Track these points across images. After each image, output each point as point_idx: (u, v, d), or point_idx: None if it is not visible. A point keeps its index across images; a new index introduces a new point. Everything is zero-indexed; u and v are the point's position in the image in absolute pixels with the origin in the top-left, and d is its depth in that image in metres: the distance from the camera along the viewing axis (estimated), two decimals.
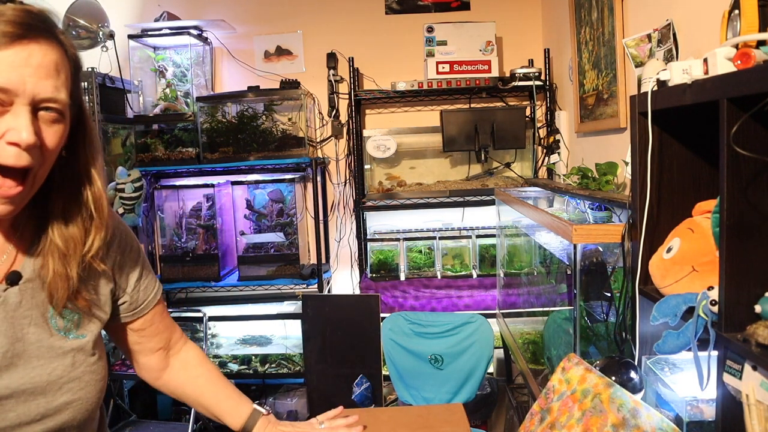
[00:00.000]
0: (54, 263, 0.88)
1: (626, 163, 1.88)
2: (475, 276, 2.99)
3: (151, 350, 1.16)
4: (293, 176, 3.12)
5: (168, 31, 3.14)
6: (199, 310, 3.00)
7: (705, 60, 1.05)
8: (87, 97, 2.88)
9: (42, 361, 0.88)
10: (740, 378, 0.93)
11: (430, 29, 3.08)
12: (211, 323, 3.20)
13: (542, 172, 3.18)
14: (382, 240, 3.15)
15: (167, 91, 3.20)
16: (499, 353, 2.92)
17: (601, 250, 1.61)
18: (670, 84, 1.18)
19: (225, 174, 3.24)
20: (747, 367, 0.92)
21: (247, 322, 3.31)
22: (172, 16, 3.20)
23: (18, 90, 0.74)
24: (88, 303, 0.95)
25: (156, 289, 1.14)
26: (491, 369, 3.01)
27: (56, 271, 0.88)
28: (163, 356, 1.19)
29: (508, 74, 3.12)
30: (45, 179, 0.84)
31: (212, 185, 3.08)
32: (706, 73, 1.05)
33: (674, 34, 1.66)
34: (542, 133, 3.18)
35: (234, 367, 3.17)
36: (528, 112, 3.14)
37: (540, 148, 3.17)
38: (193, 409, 2.69)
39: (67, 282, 0.89)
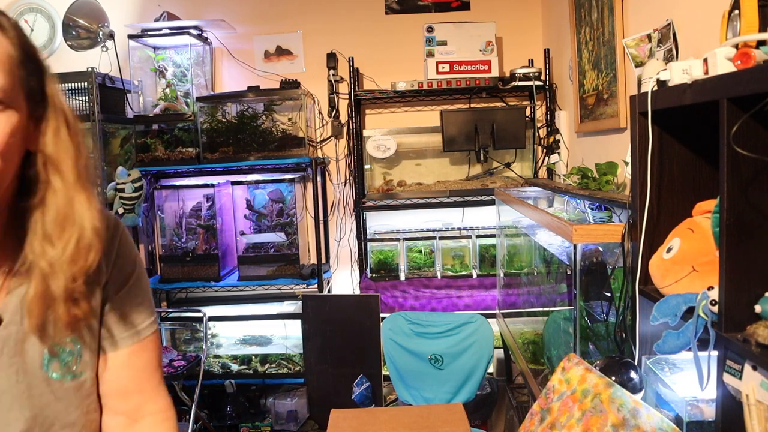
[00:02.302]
0: (38, 294, 0.76)
1: (626, 163, 1.88)
2: (475, 276, 2.99)
3: (110, 409, 0.90)
4: (293, 176, 3.12)
5: (168, 31, 3.14)
6: (199, 310, 3.00)
7: (705, 60, 1.05)
8: (87, 97, 2.89)
9: (36, 405, 0.79)
10: (740, 378, 0.93)
11: (430, 29, 3.08)
12: (211, 323, 3.20)
13: (542, 172, 3.18)
14: (382, 240, 3.15)
15: (167, 91, 3.20)
16: (499, 353, 2.93)
17: (601, 250, 1.61)
18: (670, 84, 1.18)
19: (225, 174, 3.25)
20: (747, 367, 0.92)
21: (247, 322, 3.31)
22: (172, 16, 3.20)
23: None
24: (80, 329, 0.82)
25: (144, 324, 0.91)
26: (491, 369, 3.01)
27: (41, 295, 0.76)
28: (124, 427, 0.92)
29: (508, 74, 3.12)
30: (16, 198, 0.78)
31: (212, 185, 3.08)
32: (706, 73, 1.05)
33: (674, 34, 1.66)
34: (542, 133, 3.18)
35: (234, 367, 3.17)
36: (528, 112, 3.14)
37: (540, 148, 3.17)
38: (193, 409, 2.69)
39: (55, 313, 0.77)
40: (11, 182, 0.75)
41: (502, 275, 2.83)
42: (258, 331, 3.36)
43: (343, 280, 3.45)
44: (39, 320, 0.76)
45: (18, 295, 0.78)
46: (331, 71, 3.33)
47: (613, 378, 1.24)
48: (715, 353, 1.00)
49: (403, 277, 3.02)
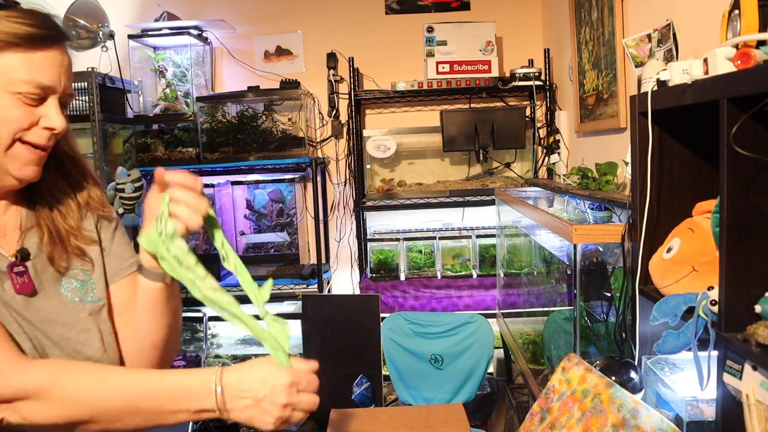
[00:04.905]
0: (49, 228, 0.96)
1: (626, 163, 1.88)
2: (475, 276, 2.99)
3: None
4: (293, 176, 3.12)
5: (168, 31, 3.14)
6: (199, 310, 3.00)
7: (705, 60, 1.05)
8: (87, 97, 2.88)
9: (66, 326, 0.95)
10: (740, 378, 0.93)
11: (430, 29, 3.08)
12: (211, 323, 3.20)
13: (542, 172, 3.18)
14: (382, 240, 3.15)
15: (167, 91, 3.20)
16: (499, 353, 2.93)
17: (601, 250, 1.61)
18: (670, 84, 1.18)
19: (225, 174, 3.24)
20: (747, 367, 0.92)
21: None
22: (172, 16, 3.19)
23: (56, 87, 0.90)
24: (86, 263, 1.00)
25: (133, 258, 1.08)
26: (491, 369, 3.01)
27: (52, 234, 0.96)
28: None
29: (508, 74, 3.12)
30: None
31: (212, 185, 3.08)
32: (706, 73, 1.05)
33: (674, 34, 1.66)
34: (542, 133, 3.18)
35: None
36: (528, 112, 3.14)
37: (540, 148, 3.17)
38: None
39: (63, 243, 0.97)
40: None
41: (502, 275, 2.83)
42: None
43: (343, 280, 3.45)
44: (51, 253, 0.95)
45: (34, 236, 0.96)
46: (331, 71, 3.33)
47: (613, 378, 1.24)
48: (715, 353, 1.00)
49: (403, 277, 3.02)
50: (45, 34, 0.88)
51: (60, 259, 0.96)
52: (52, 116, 0.89)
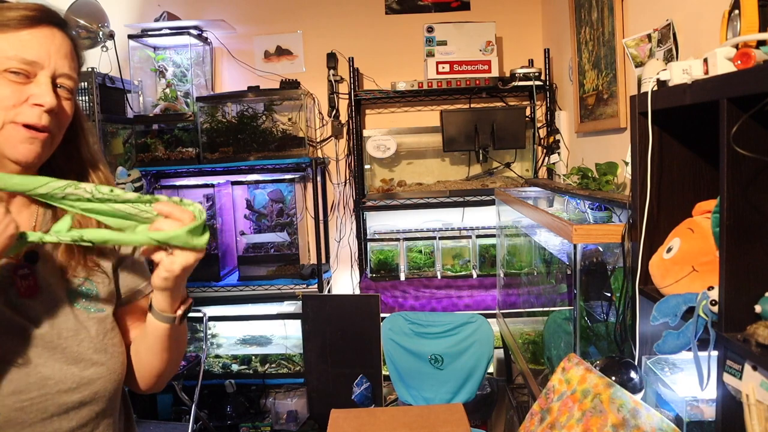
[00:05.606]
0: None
1: (626, 163, 1.88)
2: (475, 276, 2.99)
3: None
4: (293, 176, 3.12)
5: (168, 31, 3.14)
6: (199, 310, 3.00)
7: (705, 60, 1.05)
8: (87, 97, 2.89)
9: (70, 333, 0.94)
10: (740, 378, 0.93)
11: (430, 29, 3.08)
12: (211, 323, 3.20)
13: (542, 172, 3.18)
14: (382, 240, 3.15)
15: (167, 91, 3.20)
16: (499, 353, 2.93)
17: (601, 250, 1.61)
18: (670, 84, 1.18)
19: (225, 174, 3.24)
20: (747, 367, 0.92)
21: (247, 322, 3.31)
22: (172, 16, 3.20)
23: (44, 63, 0.88)
24: (93, 275, 1.00)
25: (144, 285, 1.09)
26: (491, 369, 3.01)
27: (66, 247, 0.94)
28: None
29: (508, 74, 3.12)
30: (52, 169, 0.95)
31: (212, 185, 3.08)
32: (706, 73, 1.05)
33: (674, 34, 1.66)
34: (542, 133, 3.18)
35: (234, 367, 3.17)
36: (528, 112, 3.14)
37: (540, 148, 3.17)
38: (193, 409, 2.69)
39: (79, 252, 0.96)
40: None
41: (502, 275, 2.83)
42: (258, 331, 3.36)
43: (343, 280, 3.45)
44: (64, 261, 0.95)
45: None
46: (331, 71, 3.33)
47: (613, 378, 1.24)
48: (715, 353, 1.00)
49: (403, 277, 3.02)
50: (34, 15, 0.88)
51: (73, 268, 0.96)
52: (40, 93, 0.87)
